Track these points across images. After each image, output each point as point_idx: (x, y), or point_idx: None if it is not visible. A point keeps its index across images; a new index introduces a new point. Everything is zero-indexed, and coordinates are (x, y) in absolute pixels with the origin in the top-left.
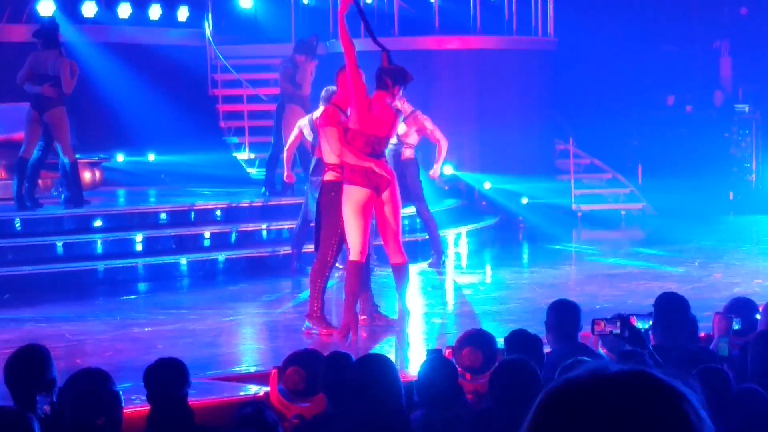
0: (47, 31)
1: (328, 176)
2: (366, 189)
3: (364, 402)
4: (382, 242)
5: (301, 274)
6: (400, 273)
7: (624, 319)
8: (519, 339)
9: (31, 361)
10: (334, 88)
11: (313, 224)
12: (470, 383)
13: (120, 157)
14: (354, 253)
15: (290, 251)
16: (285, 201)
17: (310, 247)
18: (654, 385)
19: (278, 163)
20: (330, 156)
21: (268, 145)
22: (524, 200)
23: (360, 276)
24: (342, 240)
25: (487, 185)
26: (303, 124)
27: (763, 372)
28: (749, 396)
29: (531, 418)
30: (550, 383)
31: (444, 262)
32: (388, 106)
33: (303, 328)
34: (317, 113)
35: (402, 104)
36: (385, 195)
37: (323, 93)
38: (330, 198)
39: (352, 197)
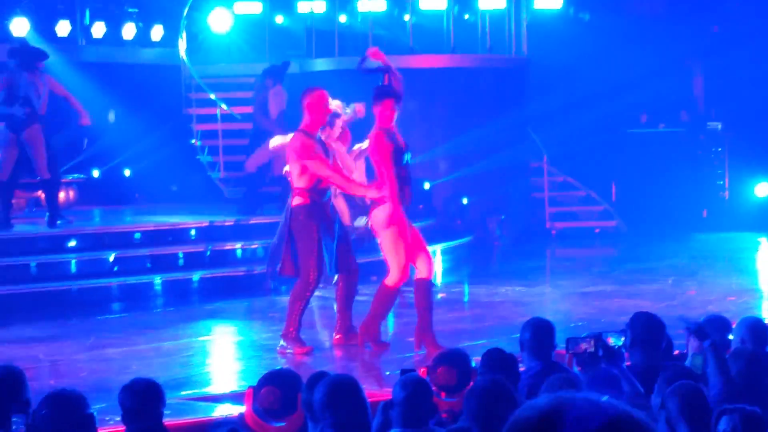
0: (22, 51)
1: (296, 200)
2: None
3: (332, 422)
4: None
5: (275, 293)
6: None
7: (598, 338)
8: (494, 358)
9: (5, 382)
10: None
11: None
12: (445, 401)
13: (95, 173)
14: (392, 280)
15: (265, 269)
16: (259, 220)
17: None
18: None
19: (259, 182)
20: (298, 180)
21: (242, 165)
22: (499, 221)
23: (394, 299)
24: (321, 262)
25: (464, 201)
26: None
27: (748, 389)
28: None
29: None
30: (518, 408)
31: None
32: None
33: (277, 347)
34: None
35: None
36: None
37: None
38: (300, 221)
39: (395, 230)
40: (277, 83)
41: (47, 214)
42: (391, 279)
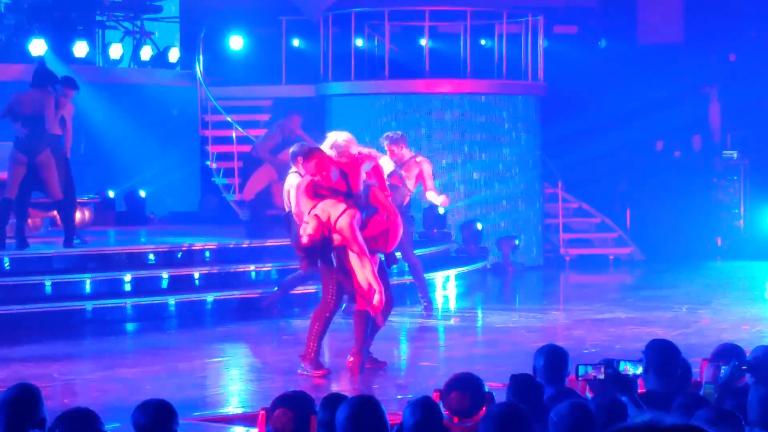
0: (36, 70)
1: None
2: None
3: None
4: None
5: (288, 316)
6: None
7: (608, 365)
8: (522, 383)
9: (22, 400)
10: (299, 148)
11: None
12: (458, 426)
13: (111, 194)
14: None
15: (276, 291)
16: (273, 242)
17: (298, 290)
18: None
19: (263, 206)
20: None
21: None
22: (513, 247)
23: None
24: (341, 285)
25: (478, 226)
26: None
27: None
28: None
29: None
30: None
31: (433, 305)
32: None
33: (298, 370)
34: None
35: (401, 150)
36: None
37: (293, 149)
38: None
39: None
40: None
41: (64, 234)
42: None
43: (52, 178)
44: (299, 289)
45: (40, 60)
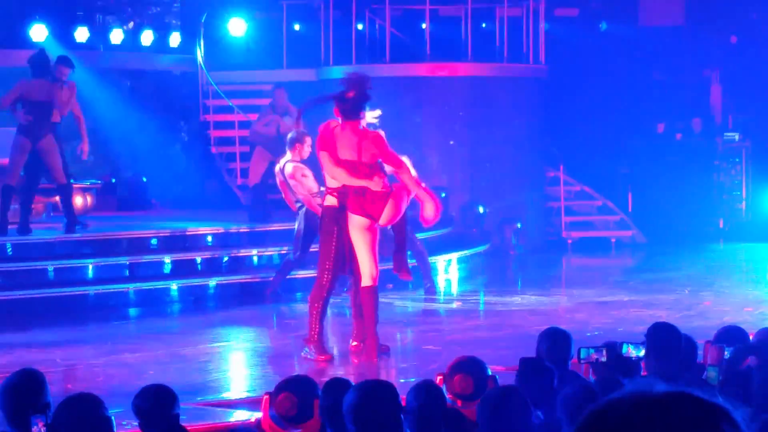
0: (39, 59)
1: (327, 201)
2: (362, 217)
3: (364, 428)
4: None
5: (290, 300)
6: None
7: (611, 348)
8: (532, 367)
9: (26, 385)
10: (295, 134)
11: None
12: (461, 410)
13: (112, 179)
14: (366, 278)
15: (275, 276)
16: (275, 227)
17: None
18: (696, 405)
19: (264, 190)
20: (330, 181)
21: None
22: (515, 230)
23: (376, 299)
24: (337, 264)
25: (480, 209)
26: (278, 174)
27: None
28: None
29: None
30: (593, 403)
31: (435, 288)
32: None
33: (302, 353)
34: (284, 163)
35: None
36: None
37: (290, 135)
38: (323, 222)
39: (353, 224)
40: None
41: (65, 220)
42: (363, 281)
43: (55, 162)
44: (301, 273)
45: (41, 49)
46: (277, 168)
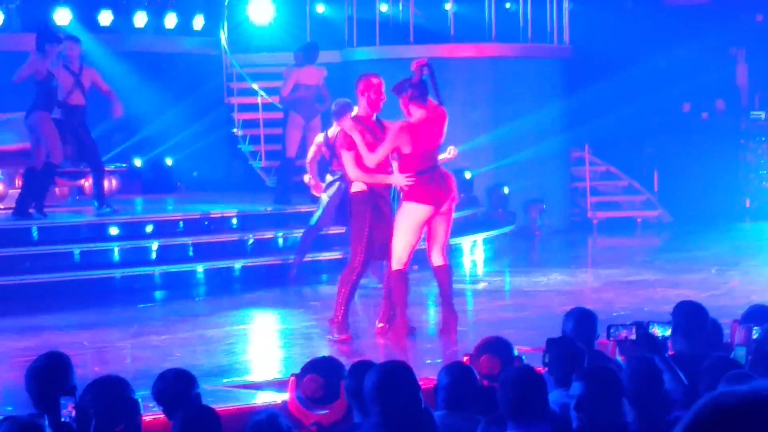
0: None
1: (355, 187)
2: (428, 206)
3: (386, 408)
4: (426, 246)
5: (315, 282)
6: (443, 274)
7: (640, 326)
8: (561, 348)
9: (53, 368)
10: (344, 100)
11: (324, 231)
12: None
13: (137, 163)
14: (398, 262)
15: (294, 258)
16: (300, 209)
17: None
18: None
19: (290, 171)
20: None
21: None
22: (540, 211)
23: (406, 283)
24: (370, 248)
25: (505, 190)
26: (319, 141)
27: None
28: None
29: (687, 425)
30: (709, 394)
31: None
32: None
33: (328, 336)
34: (333, 130)
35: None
36: (444, 206)
37: (333, 107)
38: (357, 208)
39: (412, 214)
40: (302, 66)
41: (96, 200)
42: (394, 265)
43: (42, 144)
44: (326, 255)
45: (40, 23)
46: (321, 138)
